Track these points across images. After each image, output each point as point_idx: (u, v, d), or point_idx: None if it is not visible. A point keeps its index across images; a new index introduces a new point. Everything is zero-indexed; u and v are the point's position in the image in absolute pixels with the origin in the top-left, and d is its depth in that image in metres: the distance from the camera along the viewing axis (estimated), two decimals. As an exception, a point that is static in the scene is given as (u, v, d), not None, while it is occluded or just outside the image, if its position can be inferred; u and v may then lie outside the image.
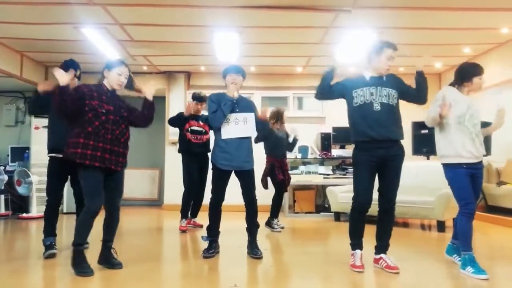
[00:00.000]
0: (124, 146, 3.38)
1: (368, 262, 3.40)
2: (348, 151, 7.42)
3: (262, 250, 3.86)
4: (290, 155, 6.27)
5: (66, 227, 5.55)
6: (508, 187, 5.88)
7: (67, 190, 5.73)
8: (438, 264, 3.59)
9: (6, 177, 6.67)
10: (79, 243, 3.18)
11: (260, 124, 3.96)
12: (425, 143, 6.43)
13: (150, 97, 3.53)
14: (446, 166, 3.36)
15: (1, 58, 6.39)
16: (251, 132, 3.88)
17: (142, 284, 3.03)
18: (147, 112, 3.53)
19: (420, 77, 3.36)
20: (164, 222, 6.58)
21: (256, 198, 3.92)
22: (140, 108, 3.54)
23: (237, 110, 3.83)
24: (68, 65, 3.92)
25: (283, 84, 8.12)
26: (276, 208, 5.54)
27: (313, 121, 7.94)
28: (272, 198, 5.56)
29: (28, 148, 7.30)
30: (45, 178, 3.95)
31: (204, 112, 5.31)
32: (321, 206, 7.33)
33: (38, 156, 6.79)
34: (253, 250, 3.83)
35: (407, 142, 3.39)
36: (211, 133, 5.00)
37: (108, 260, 3.36)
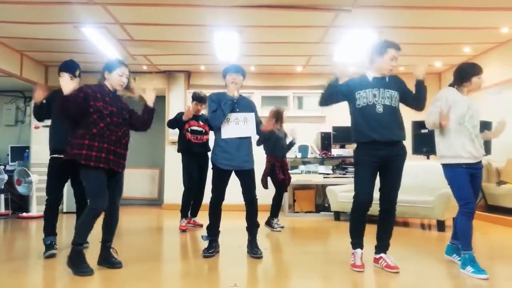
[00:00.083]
0: (125, 148, 3.39)
1: (368, 262, 3.40)
2: (348, 151, 7.42)
3: (262, 250, 3.87)
4: (290, 155, 6.27)
5: (66, 227, 5.55)
6: (508, 186, 5.89)
7: (67, 190, 5.74)
8: (438, 263, 3.59)
9: (6, 177, 6.67)
10: (79, 243, 3.18)
11: (261, 126, 3.97)
12: (425, 142, 6.42)
13: (150, 104, 3.54)
14: (446, 166, 3.36)
15: (1, 58, 6.39)
16: (251, 132, 3.88)
17: (142, 284, 3.03)
18: (147, 117, 3.54)
19: (420, 86, 3.34)
20: (164, 221, 6.58)
21: (257, 197, 3.92)
22: (140, 111, 3.55)
23: (237, 110, 3.83)
24: (68, 66, 3.92)
25: (283, 84, 8.12)
26: (276, 207, 5.54)
27: (313, 120, 7.94)
28: (273, 197, 5.56)
29: (28, 148, 7.31)
30: (45, 177, 3.95)
31: (204, 112, 5.33)
32: (321, 206, 7.33)
33: (38, 156, 6.80)
34: (253, 250, 3.83)
35: (407, 141, 3.39)
36: (211, 133, 5.02)
37: (107, 260, 3.37)
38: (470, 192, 3.28)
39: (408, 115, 3.57)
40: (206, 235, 3.97)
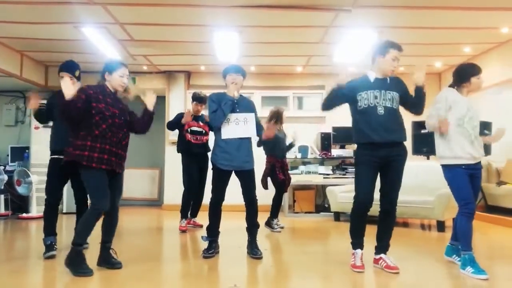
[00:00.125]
0: (125, 149, 3.40)
1: (368, 262, 3.39)
2: (348, 151, 7.42)
3: (262, 250, 3.86)
4: (290, 155, 6.28)
5: (66, 227, 5.55)
6: (508, 187, 5.88)
7: (67, 190, 5.74)
8: (438, 264, 3.59)
9: (6, 177, 6.67)
10: (80, 243, 3.18)
11: (261, 127, 3.97)
12: (425, 143, 6.42)
13: (150, 107, 3.52)
14: (445, 167, 3.37)
15: (1, 58, 6.38)
16: (252, 132, 3.87)
17: (142, 284, 3.03)
18: (146, 120, 3.53)
19: (420, 92, 3.32)
20: (164, 222, 6.58)
21: (257, 198, 3.92)
22: (139, 113, 3.55)
23: (238, 110, 3.82)
24: (68, 66, 3.92)
25: (283, 84, 8.12)
26: (276, 208, 5.54)
27: (313, 120, 7.94)
28: (273, 198, 5.55)
29: (28, 148, 7.31)
30: (45, 178, 3.95)
31: (204, 112, 5.33)
32: (321, 206, 7.33)
33: (38, 156, 6.80)
34: (253, 250, 3.83)
35: (407, 142, 3.39)
36: (211, 133, 5.02)
37: (107, 260, 3.36)
38: (470, 193, 3.28)
39: (408, 116, 3.57)
40: (206, 235, 3.97)
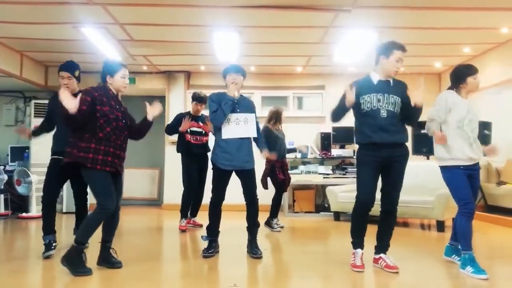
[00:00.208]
0: (125, 151, 3.42)
1: (368, 262, 3.40)
2: (348, 151, 7.43)
3: (262, 250, 3.86)
4: (289, 155, 6.30)
5: (66, 227, 5.55)
6: (507, 187, 5.89)
7: (68, 189, 5.74)
8: (438, 263, 3.59)
9: (5, 177, 6.67)
10: (83, 242, 3.18)
11: (258, 128, 4.01)
12: (425, 143, 6.42)
13: (150, 117, 3.51)
14: (443, 168, 3.38)
15: (1, 58, 6.38)
16: (252, 132, 3.88)
17: (142, 283, 3.03)
18: (144, 128, 3.54)
19: (417, 111, 3.27)
20: (164, 221, 6.58)
21: (257, 197, 3.92)
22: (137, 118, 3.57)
23: (238, 110, 3.82)
24: (68, 66, 3.93)
25: (283, 84, 8.12)
26: (275, 208, 5.54)
27: (313, 120, 7.94)
28: (272, 198, 5.55)
29: (27, 148, 7.31)
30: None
31: (204, 112, 5.33)
32: (321, 206, 7.34)
33: (38, 156, 6.80)
34: (253, 250, 3.83)
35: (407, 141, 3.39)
36: (211, 134, 5.03)
37: (107, 260, 3.37)
38: (469, 192, 3.29)
39: (408, 115, 3.56)
40: (206, 235, 3.97)
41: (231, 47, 6.18)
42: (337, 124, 6.95)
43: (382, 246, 3.41)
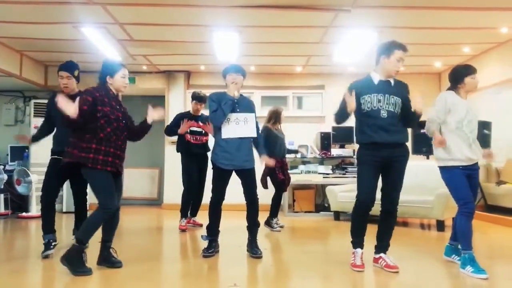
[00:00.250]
0: (125, 152, 3.43)
1: (367, 262, 3.40)
2: (347, 151, 7.43)
3: (262, 250, 3.86)
4: (289, 155, 6.30)
5: (66, 226, 5.56)
6: (507, 186, 5.89)
7: (68, 189, 5.74)
8: (438, 263, 3.60)
9: (5, 176, 6.67)
10: (84, 241, 3.18)
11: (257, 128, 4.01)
12: (425, 142, 6.42)
13: (149, 120, 3.52)
14: (442, 168, 3.39)
15: (1, 58, 6.38)
16: (252, 132, 3.87)
17: (142, 283, 3.03)
18: (142, 130, 3.55)
19: (416, 117, 3.27)
20: (163, 221, 6.58)
21: (258, 197, 3.92)
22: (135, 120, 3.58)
23: (238, 110, 3.82)
24: (67, 66, 3.93)
25: (282, 84, 8.12)
26: (275, 207, 5.54)
27: (312, 120, 7.94)
28: (272, 197, 5.55)
29: (27, 148, 7.30)
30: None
31: (204, 112, 5.33)
32: (321, 206, 7.34)
33: (38, 156, 6.79)
34: (253, 250, 3.83)
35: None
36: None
37: (107, 259, 3.37)
38: (469, 192, 3.29)
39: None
40: (206, 235, 3.97)
41: (231, 47, 6.18)
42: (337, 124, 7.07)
43: (382, 246, 3.41)
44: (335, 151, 7.44)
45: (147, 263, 3.61)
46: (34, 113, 7.27)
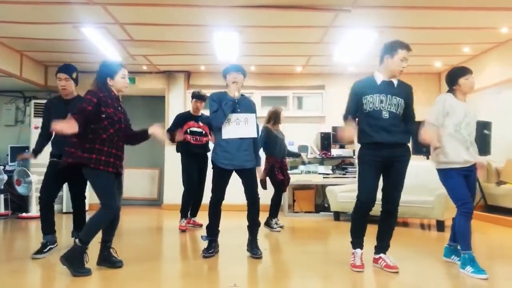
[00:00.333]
0: (124, 152, 3.44)
1: (368, 262, 3.40)
2: (347, 151, 7.43)
3: (262, 250, 3.86)
4: (289, 158, 6.32)
5: (66, 227, 5.55)
6: (507, 186, 5.89)
7: (68, 190, 5.72)
8: (438, 263, 3.60)
9: (5, 177, 6.67)
10: (87, 242, 3.18)
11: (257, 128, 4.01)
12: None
13: (150, 132, 3.51)
14: (440, 171, 3.40)
15: (1, 58, 6.38)
16: (252, 133, 3.86)
17: (142, 283, 3.03)
18: (139, 138, 3.56)
19: (416, 136, 3.28)
20: (163, 221, 6.58)
21: (259, 196, 3.91)
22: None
23: (239, 110, 3.81)
24: (66, 68, 3.92)
25: (283, 84, 8.12)
26: (275, 208, 5.54)
27: (312, 120, 7.94)
28: (271, 198, 5.55)
29: (27, 148, 7.28)
30: (45, 178, 3.95)
31: (203, 111, 5.33)
32: (321, 206, 7.34)
33: (38, 156, 6.78)
34: (253, 250, 3.83)
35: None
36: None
37: (108, 259, 3.37)
38: (467, 193, 3.30)
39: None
40: (206, 235, 3.97)
41: (231, 47, 6.18)
42: (337, 124, 7.07)
43: (382, 246, 3.41)
44: (335, 151, 7.43)
45: (147, 263, 3.60)
46: (34, 113, 7.27)
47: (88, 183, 3.62)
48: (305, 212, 7.03)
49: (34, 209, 6.63)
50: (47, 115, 4.01)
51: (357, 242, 3.37)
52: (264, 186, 5.38)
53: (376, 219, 3.43)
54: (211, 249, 3.85)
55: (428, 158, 6.65)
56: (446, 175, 3.36)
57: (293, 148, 7.02)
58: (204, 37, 5.87)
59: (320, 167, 7.22)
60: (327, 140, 7.38)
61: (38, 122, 6.80)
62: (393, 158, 3.25)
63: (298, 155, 6.24)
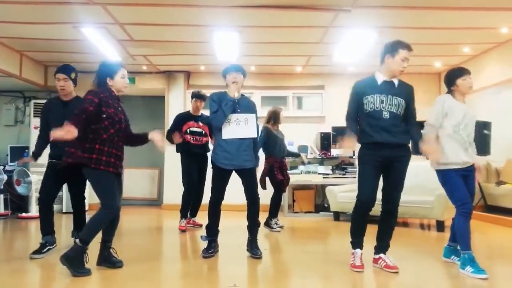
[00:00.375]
0: (123, 152, 3.44)
1: (368, 262, 3.40)
2: (347, 151, 7.42)
3: (261, 250, 3.86)
4: (289, 158, 6.32)
5: (66, 227, 5.55)
6: (507, 186, 5.89)
7: (68, 190, 5.72)
8: (438, 263, 3.60)
9: (5, 177, 6.66)
10: (87, 241, 3.18)
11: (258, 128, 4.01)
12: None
13: (149, 137, 3.52)
14: (439, 171, 3.41)
15: (1, 58, 6.38)
16: (252, 133, 3.86)
17: (142, 283, 3.03)
18: (138, 141, 3.57)
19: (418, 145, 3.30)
20: (163, 221, 6.58)
21: (259, 196, 3.91)
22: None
23: (239, 110, 3.80)
24: (65, 68, 3.92)
25: (282, 84, 8.12)
26: (275, 208, 5.53)
27: (312, 120, 7.94)
28: (271, 198, 5.55)
29: (27, 148, 7.30)
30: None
31: (203, 111, 5.33)
32: (321, 206, 7.34)
33: (38, 159, 6.78)
34: (253, 250, 3.83)
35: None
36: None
37: (108, 259, 3.37)
38: (465, 193, 3.31)
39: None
40: (206, 235, 3.96)
41: (231, 47, 6.18)
42: (337, 124, 7.08)
43: (382, 246, 3.41)
44: (335, 151, 7.43)
45: (147, 263, 3.60)
46: (34, 113, 7.27)
47: (88, 183, 3.62)
48: (305, 212, 7.03)
49: (34, 209, 6.63)
50: (45, 115, 4.01)
51: (357, 242, 3.37)
52: (264, 186, 5.38)
53: (376, 219, 3.43)
54: (211, 249, 3.85)
55: (427, 158, 6.64)
56: (445, 175, 3.37)
57: (293, 148, 7.02)
58: (204, 37, 5.87)
59: (320, 167, 7.22)
60: (327, 140, 7.38)
61: (38, 122, 6.70)
62: (393, 158, 3.25)
63: (298, 155, 6.25)
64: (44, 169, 3.97)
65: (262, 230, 4.72)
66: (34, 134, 7.01)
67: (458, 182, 3.30)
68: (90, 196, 6.39)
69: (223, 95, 3.83)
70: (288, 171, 5.80)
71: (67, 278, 3.08)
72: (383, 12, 5.00)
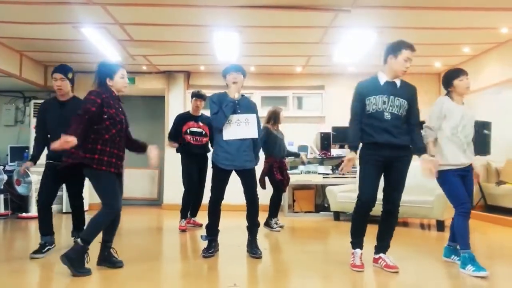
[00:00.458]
0: (124, 152, 3.45)
1: (368, 262, 3.40)
2: (347, 151, 7.40)
3: (261, 250, 3.86)
4: (289, 158, 6.32)
5: (65, 227, 5.55)
6: (507, 186, 5.89)
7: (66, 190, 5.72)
8: (438, 263, 3.60)
9: (5, 177, 6.66)
10: (89, 241, 3.18)
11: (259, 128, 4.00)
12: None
13: (146, 145, 3.58)
14: (437, 172, 3.39)
15: (1, 58, 6.38)
16: (253, 133, 3.85)
17: (142, 283, 3.03)
18: (136, 147, 3.60)
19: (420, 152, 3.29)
20: (163, 221, 6.58)
21: (258, 197, 3.91)
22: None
23: (239, 111, 3.80)
24: (62, 68, 3.91)
25: (282, 84, 8.12)
26: (274, 207, 5.53)
27: (312, 120, 7.95)
28: (271, 198, 5.55)
29: (27, 148, 7.31)
30: (45, 178, 3.94)
31: (203, 111, 5.33)
32: (321, 206, 7.34)
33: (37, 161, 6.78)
34: (253, 250, 3.83)
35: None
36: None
37: (108, 259, 3.37)
38: (464, 193, 3.32)
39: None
40: (206, 235, 3.97)
41: (231, 47, 6.18)
42: (337, 124, 7.08)
43: (382, 246, 3.41)
44: (335, 151, 7.44)
45: (147, 263, 3.60)
46: (34, 113, 7.26)
47: (88, 183, 3.62)
48: (305, 212, 7.03)
49: (34, 209, 6.62)
50: (42, 116, 3.97)
51: (357, 242, 3.37)
52: (263, 186, 5.38)
53: (376, 219, 3.43)
54: (211, 249, 3.85)
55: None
56: (443, 176, 3.37)
57: (293, 148, 7.03)
58: (204, 37, 5.87)
59: (320, 167, 7.22)
60: (327, 140, 7.39)
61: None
62: (394, 158, 3.25)
63: (298, 155, 6.24)
64: (43, 169, 3.97)
65: (262, 230, 4.72)
66: (34, 134, 7.03)
67: (456, 182, 3.31)
68: (90, 196, 6.40)
69: (223, 96, 3.83)
70: (288, 171, 5.81)
71: (67, 278, 3.08)
72: (383, 12, 5.01)
